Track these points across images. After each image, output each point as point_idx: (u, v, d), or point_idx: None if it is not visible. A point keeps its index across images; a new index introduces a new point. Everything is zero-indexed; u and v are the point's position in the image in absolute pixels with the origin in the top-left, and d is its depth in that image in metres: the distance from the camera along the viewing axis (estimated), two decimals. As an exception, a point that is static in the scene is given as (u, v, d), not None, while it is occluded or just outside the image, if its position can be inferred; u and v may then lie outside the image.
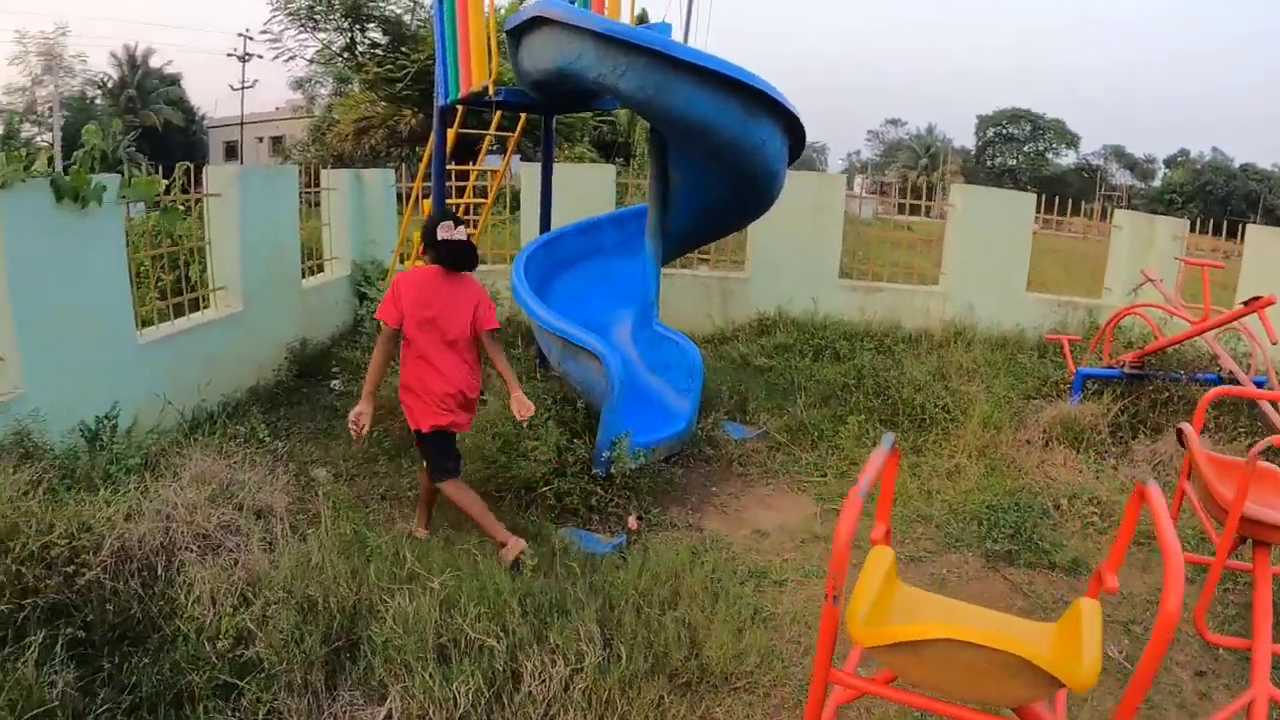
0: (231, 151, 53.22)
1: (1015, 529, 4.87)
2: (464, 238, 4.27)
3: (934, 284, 10.22)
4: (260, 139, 51.83)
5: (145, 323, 6.42)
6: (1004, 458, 5.90)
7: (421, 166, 7.87)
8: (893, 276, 10.32)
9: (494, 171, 9.29)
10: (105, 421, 5.11)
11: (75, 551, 3.47)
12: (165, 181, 6.40)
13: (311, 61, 18.13)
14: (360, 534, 4.17)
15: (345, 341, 8.55)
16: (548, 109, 6.69)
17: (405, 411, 4.42)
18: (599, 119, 22.41)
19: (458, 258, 4.26)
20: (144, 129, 47.89)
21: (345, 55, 17.84)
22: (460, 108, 6.89)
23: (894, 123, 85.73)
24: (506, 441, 5.18)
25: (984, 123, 76.41)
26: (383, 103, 19.59)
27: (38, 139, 40.16)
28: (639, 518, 4.92)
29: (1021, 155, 74.74)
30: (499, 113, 7.66)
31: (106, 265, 5.62)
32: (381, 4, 16.88)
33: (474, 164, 8.62)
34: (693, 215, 5.97)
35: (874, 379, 7.13)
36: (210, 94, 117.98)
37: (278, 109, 50.64)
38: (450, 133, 7.08)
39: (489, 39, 5.54)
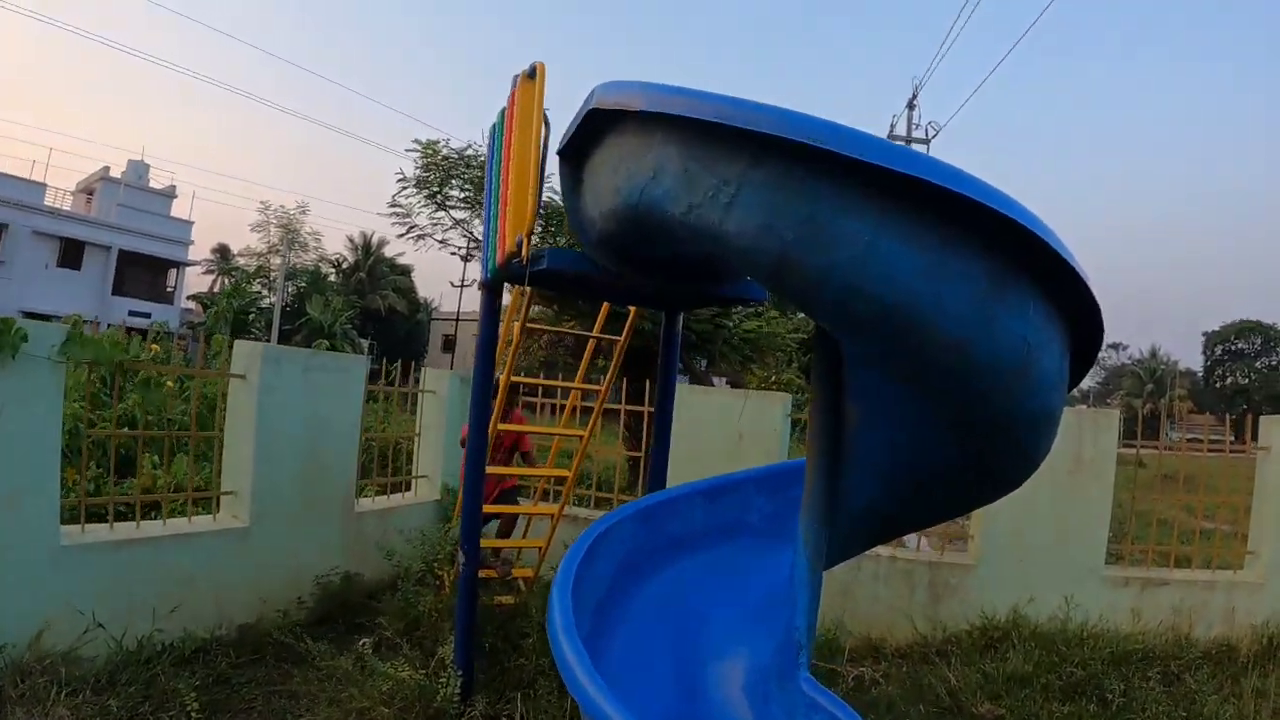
0: (450, 344, 55.42)
1: None
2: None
3: (1228, 564, 7.36)
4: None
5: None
6: None
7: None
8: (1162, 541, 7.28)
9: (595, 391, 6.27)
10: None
11: None
12: (149, 342, 5.94)
13: (443, 242, 16.19)
14: None
15: (407, 585, 6.20)
16: (655, 299, 4.38)
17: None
18: (795, 331, 19.25)
19: None
20: (369, 311, 50.78)
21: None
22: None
23: (1115, 347, 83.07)
24: None
25: (1211, 339, 72.52)
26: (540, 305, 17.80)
27: (265, 300, 43.25)
28: None
29: (1254, 372, 69.21)
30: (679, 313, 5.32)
31: (22, 436, 4.60)
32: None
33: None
34: (888, 486, 3.22)
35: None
36: (438, 287, 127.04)
37: (498, 308, 52.78)
38: (511, 325, 4.83)
39: (530, 173, 3.38)
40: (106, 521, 5.27)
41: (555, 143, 3.57)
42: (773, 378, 17.91)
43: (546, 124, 3.89)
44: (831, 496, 3.24)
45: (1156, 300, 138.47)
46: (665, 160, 2.42)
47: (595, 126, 2.97)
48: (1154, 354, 74.54)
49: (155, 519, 5.61)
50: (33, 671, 4.33)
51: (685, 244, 2.71)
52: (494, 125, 4.33)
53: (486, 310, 4.58)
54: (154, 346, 5.35)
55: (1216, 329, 71.42)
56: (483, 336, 4.54)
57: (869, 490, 3.24)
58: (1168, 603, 6.75)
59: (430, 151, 13.64)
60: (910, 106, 30.09)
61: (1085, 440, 6.75)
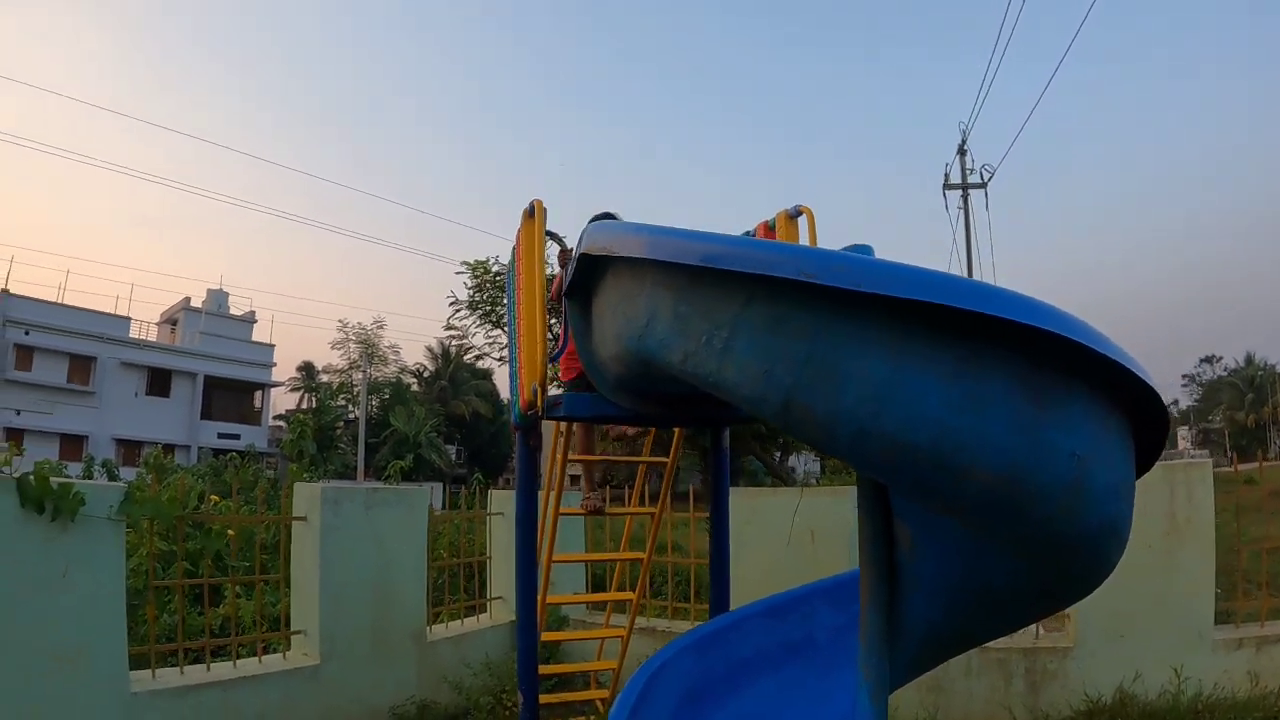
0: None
1: None
2: None
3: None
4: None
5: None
6: None
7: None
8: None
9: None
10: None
11: None
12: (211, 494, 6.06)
13: (501, 360, 15.88)
14: None
15: (486, 710, 6.20)
16: (697, 421, 4.32)
17: None
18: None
19: None
20: (453, 417, 51.40)
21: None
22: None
23: (1209, 360, 79.04)
24: None
25: (1308, 335, 67.68)
26: None
27: (351, 413, 44.06)
28: None
29: (1361, 359, 64.00)
30: (724, 429, 5.12)
31: (86, 595, 4.64)
32: None
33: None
34: (950, 607, 2.97)
35: None
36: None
37: (581, 402, 53.36)
38: (555, 455, 4.73)
39: (538, 320, 3.46)
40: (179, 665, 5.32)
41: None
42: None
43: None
44: (888, 625, 3.01)
45: (1244, 305, 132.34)
46: (658, 305, 2.30)
47: (594, 265, 2.88)
48: (1250, 361, 70.59)
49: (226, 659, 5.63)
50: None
51: (695, 385, 2.58)
52: (510, 260, 4.29)
53: (522, 450, 4.45)
54: (215, 498, 5.39)
55: (1312, 323, 67.64)
56: (521, 477, 4.43)
57: (930, 614, 2.99)
58: (1283, 659, 6.13)
59: (480, 271, 13.50)
60: (961, 153, 29.81)
61: (1178, 499, 6.22)
